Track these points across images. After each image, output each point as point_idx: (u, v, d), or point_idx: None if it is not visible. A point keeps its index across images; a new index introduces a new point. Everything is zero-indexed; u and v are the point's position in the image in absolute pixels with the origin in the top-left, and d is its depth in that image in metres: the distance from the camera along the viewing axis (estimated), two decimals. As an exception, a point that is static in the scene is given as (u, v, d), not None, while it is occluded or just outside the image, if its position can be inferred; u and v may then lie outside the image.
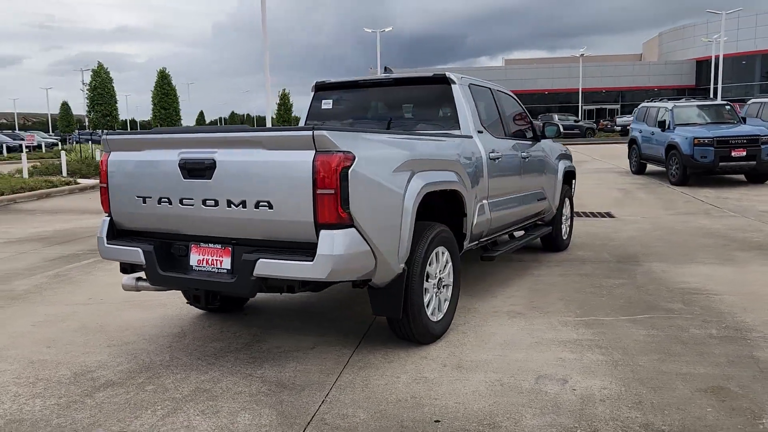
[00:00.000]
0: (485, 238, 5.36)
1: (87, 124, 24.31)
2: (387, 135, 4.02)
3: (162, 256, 3.89)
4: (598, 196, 12.41)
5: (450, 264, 4.47)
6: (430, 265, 4.18)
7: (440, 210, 4.65)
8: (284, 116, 45.19)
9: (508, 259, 7.00)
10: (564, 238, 7.49)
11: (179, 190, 3.75)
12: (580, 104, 57.42)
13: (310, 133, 3.35)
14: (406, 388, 3.54)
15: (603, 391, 3.46)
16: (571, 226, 7.78)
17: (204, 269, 3.78)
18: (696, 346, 4.12)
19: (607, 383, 3.55)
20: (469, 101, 5.23)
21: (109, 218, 4.13)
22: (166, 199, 3.80)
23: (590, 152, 25.42)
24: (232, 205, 3.58)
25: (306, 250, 3.43)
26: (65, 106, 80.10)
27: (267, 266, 3.48)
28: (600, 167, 19.56)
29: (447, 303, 4.45)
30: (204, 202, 3.67)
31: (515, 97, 6.64)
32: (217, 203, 3.63)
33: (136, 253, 3.93)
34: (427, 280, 4.17)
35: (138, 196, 3.93)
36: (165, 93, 26.86)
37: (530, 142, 6.47)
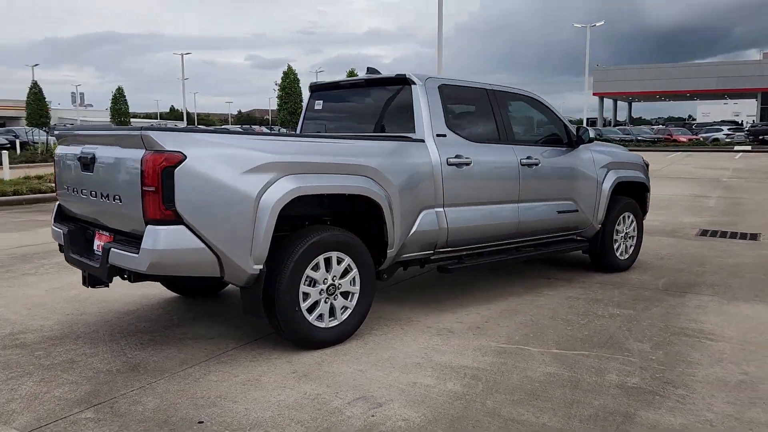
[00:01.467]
0: (448, 249, 5.04)
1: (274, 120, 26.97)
2: (245, 136, 4.03)
3: (75, 239, 4.38)
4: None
5: (355, 272, 4.33)
6: (316, 270, 4.11)
7: (362, 216, 4.53)
8: None
9: (536, 274, 6.43)
10: (622, 257, 6.63)
11: (78, 181, 4.20)
12: None
13: (139, 133, 3.55)
14: (227, 389, 3.57)
15: (397, 422, 3.15)
16: (637, 245, 6.85)
17: (98, 254, 4.18)
18: (579, 394, 3.51)
19: (414, 416, 3.22)
20: (431, 103, 4.95)
21: (57, 203, 4.75)
22: (73, 189, 4.29)
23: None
24: (102, 197, 3.93)
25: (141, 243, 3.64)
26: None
27: (115, 256, 3.76)
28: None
29: (348, 311, 4.33)
30: (90, 192, 4.07)
31: (542, 100, 6.06)
32: (96, 194, 4.00)
33: (59, 235, 4.49)
34: (313, 286, 4.11)
35: (64, 185, 4.47)
36: (289, 93, 28.07)
37: (552, 149, 5.90)
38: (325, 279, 4.18)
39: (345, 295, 4.32)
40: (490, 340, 4.39)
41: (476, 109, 5.51)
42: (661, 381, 3.68)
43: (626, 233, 6.69)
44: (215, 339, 4.41)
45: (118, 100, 46.18)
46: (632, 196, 6.90)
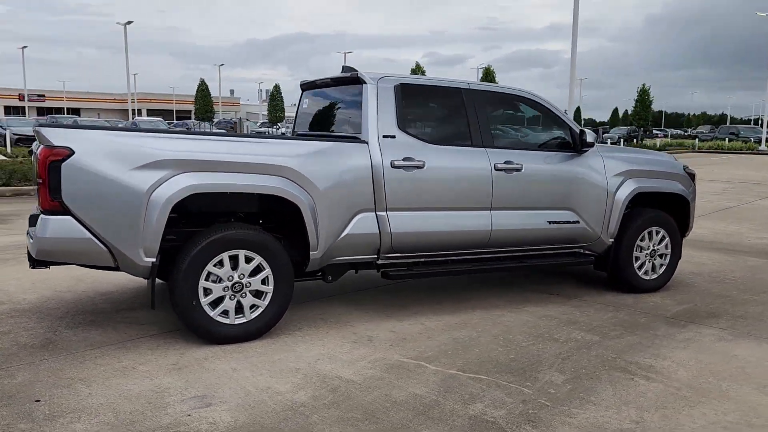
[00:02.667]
0: (396, 254, 4.84)
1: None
2: (139, 133, 4.13)
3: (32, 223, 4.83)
4: None
5: (267, 271, 4.32)
6: (220, 266, 4.18)
7: (287, 216, 4.51)
8: (641, 113, 41.67)
9: (541, 288, 5.94)
10: (646, 277, 5.91)
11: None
12: None
13: (37, 128, 3.85)
14: (97, 373, 3.74)
15: (203, 425, 3.12)
16: (671, 265, 6.05)
17: None
18: (420, 420, 3.22)
19: (227, 420, 3.17)
20: (381, 103, 4.77)
21: None
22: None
23: None
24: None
25: None
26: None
27: (28, 241, 4.12)
28: None
29: (259, 309, 4.34)
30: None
31: (541, 101, 5.54)
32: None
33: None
34: (217, 282, 4.19)
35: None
36: None
37: (548, 153, 5.44)
38: (230, 276, 4.22)
39: (257, 293, 4.33)
40: (399, 353, 4.16)
41: (443, 110, 5.22)
42: (526, 418, 3.26)
43: (653, 250, 5.93)
44: (146, 325, 4.64)
45: (275, 96, 50.25)
46: (667, 209, 6.11)
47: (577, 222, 5.52)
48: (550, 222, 5.40)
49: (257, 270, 4.31)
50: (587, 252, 5.80)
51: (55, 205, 3.81)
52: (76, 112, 79.36)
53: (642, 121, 42.25)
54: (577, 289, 5.98)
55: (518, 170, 5.19)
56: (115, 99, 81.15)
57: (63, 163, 3.78)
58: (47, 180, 3.78)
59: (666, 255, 6.03)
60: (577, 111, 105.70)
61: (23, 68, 64.16)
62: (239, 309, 4.29)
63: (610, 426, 3.20)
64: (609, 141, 36.78)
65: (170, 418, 3.19)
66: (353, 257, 4.75)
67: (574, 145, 5.52)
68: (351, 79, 5.01)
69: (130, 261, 3.99)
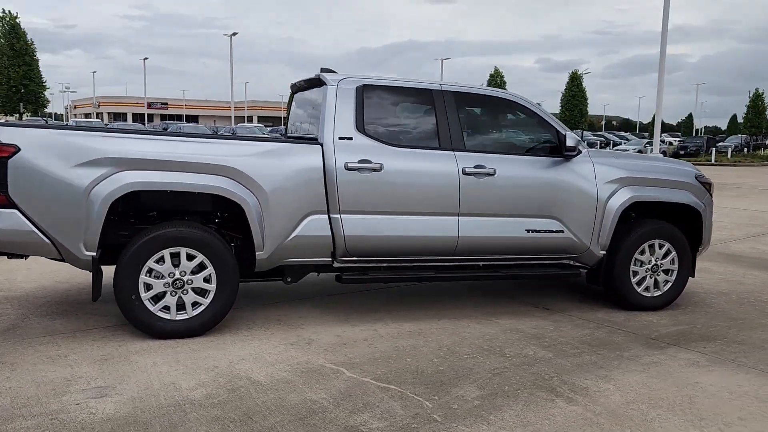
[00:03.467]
0: (353, 258, 4.78)
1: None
2: (84, 132, 4.28)
3: None
4: None
5: (210, 270, 4.40)
6: (160, 263, 4.30)
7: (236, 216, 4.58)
8: (753, 120, 38.26)
9: (526, 299, 5.66)
10: (647, 294, 5.47)
11: None
12: None
13: (-8, 128, 4.13)
14: (24, 359, 3.94)
15: (83, 414, 3.22)
16: (678, 282, 5.56)
17: None
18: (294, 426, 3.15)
19: (108, 412, 3.25)
20: (339, 105, 4.73)
21: None
22: None
23: None
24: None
25: None
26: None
27: None
28: None
29: (201, 307, 4.41)
30: None
31: (527, 104, 5.27)
32: None
33: None
34: (158, 278, 4.31)
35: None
36: (573, 95, 26.19)
37: (530, 158, 5.18)
38: (171, 273, 4.32)
39: (200, 291, 4.41)
40: (325, 358, 4.10)
41: (409, 112, 5.09)
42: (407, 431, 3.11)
43: (656, 265, 5.47)
44: (110, 317, 4.83)
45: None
46: (676, 221, 5.63)
47: (562, 232, 5.20)
48: (528, 231, 5.12)
49: (200, 268, 4.39)
50: (577, 264, 5.45)
51: (2, 199, 4.06)
52: (194, 119, 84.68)
53: (754, 129, 39.05)
54: (570, 304, 5.63)
55: (490, 175, 4.97)
56: (227, 107, 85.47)
57: (9, 160, 4.02)
58: (-4, 175, 4.04)
59: (672, 271, 5.55)
60: (689, 118, 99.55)
61: (144, 78, 69.04)
62: (182, 305, 4.38)
63: (484, 447, 2.98)
64: (714, 150, 34.32)
65: (59, 405, 3.31)
66: (306, 259, 4.72)
67: (561, 151, 5.20)
68: (319, 81, 4.99)
69: (72, 254, 4.18)
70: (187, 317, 4.39)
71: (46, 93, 20.00)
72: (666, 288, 5.55)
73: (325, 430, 3.11)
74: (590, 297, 5.86)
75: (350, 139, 4.71)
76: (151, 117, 79.38)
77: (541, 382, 3.80)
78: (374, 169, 4.69)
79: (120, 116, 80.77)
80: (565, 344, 4.52)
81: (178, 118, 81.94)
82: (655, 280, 5.52)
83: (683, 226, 5.67)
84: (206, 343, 4.33)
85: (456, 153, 4.94)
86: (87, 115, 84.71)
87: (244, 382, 3.68)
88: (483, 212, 5.00)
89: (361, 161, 4.67)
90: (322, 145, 4.66)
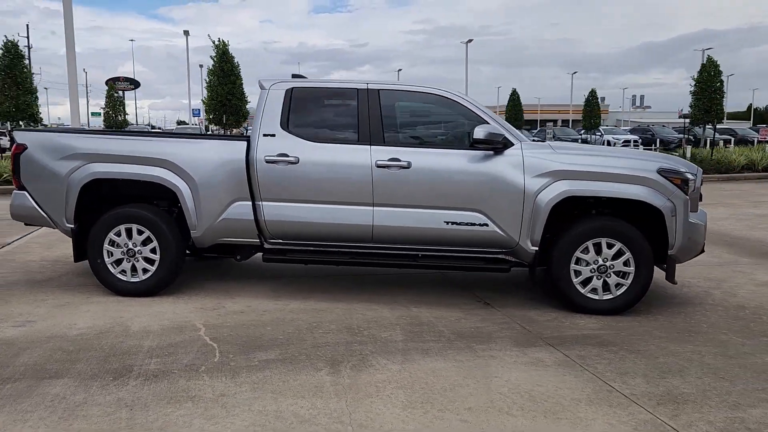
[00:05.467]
0: (278, 240, 5.46)
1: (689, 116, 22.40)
2: (67, 134, 5.57)
3: None
4: None
5: (155, 243, 5.46)
6: (118, 235, 5.49)
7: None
8: None
9: (473, 293, 5.70)
10: (595, 296, 5.15)
11: None
12: None
13: (12, 133, 5.72)
14: None
15: (-10, 334, 4.50)
16: (634, 286, 5.10)
17: None
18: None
19: None
20: (268, 105, 5.41)
21: None
22: None
23: None
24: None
25: None
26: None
27: None
28: None
29: (149, 273, 5.50)
30: None
31: (459, 99, 5.33)
32: None
33: None
34: (116, 247, 5.51)
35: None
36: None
37: (454, 152, 5.26)
38: (126, 243, 5.48)
39: (148, 260, 5.50)
40: (205, 320, 4.84)
41: (333, 111, 5.53)
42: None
43: (607, 266, 5.11)
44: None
45: (516, 101, 51.11)
46: (636, 219, 5.18)
47: (486, 225, 5.19)
48: (448, 222, 5.23)
49: (147, 241, 5.47)
50: (512, 259, 5.34)
51: (18, 184, 5.62)
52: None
53: None
54: (521, 301, 5.51)
55: (405, 168, 5.21)
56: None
57: (21, 155, 5.56)
58: (13, 166, 5.61)
59: (628, 274, 5.11)
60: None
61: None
62: (135, 270, 5.52)
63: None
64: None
65: (-13, 328, 4.64)
66: (237, 239, 5.51)
67: (492, 144, 5.18)
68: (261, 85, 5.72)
69: (60, 225, 5.57)
70: (138, 280, 5.51)
71: (248, 107, 23.66)
72: (619, 292, 5.13)
73: (111, 365, 3.92)
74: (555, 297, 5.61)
75: (273, 135, 5.38)
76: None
77: (337, 356, 4.09)
78: (291, 162, 5.29)
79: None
80: (435, 332, 4.62)
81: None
82: (605, 282, 5.14)
83: (645, 225, 5.16)
84: (143, 300, 5.37)
85: (373, 147, 5.28)
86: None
87: (119, 328, 4.63)
88: (398, 203, 5.25)
89: (279, 155, 5.31)
90: (248, 141, 5.41)
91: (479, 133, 5.05)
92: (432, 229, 5.24)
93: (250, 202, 5.38)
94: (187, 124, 58.12)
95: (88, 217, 5.62)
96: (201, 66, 51.67)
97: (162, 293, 5.55)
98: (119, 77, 42.93)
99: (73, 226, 5.54)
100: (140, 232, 5.46)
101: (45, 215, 5.59)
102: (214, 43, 23.14)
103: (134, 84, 43.24)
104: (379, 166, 5.21)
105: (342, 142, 5.36)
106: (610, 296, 5.14)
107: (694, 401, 3.50)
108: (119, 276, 5.52)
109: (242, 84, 23.88)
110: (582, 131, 46.19)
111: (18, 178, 5.59)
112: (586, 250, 5.12)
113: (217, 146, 5.45)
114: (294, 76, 5.97)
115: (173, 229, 5.49)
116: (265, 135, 5.38)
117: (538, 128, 53.78)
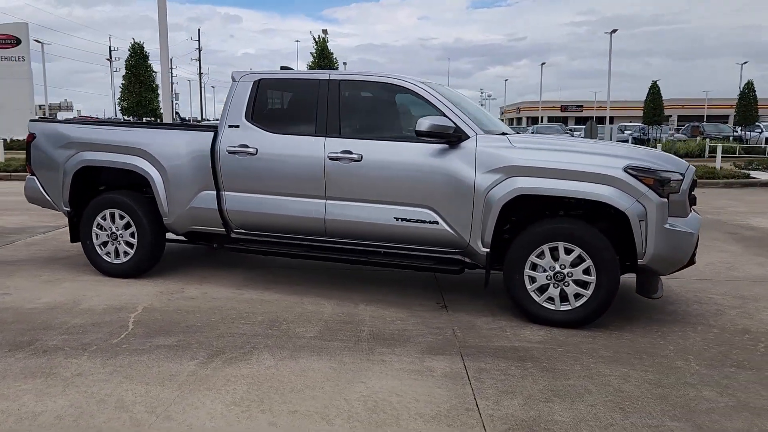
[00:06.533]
0: (242, 230, 5.54)
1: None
2: (65, 124, 5.97)
3: None
4: None
5: (133, 228, 5.76)
6: (104, 219, 5.88)
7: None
8: None
9: (450, 298, 5.40)
10: (553, 307, 4.64)
11: None
12: None
13: (28, 123, 6.29)
14: None
15: (-39, 303, 5.01)
16: (596, 296, 4.52)
17: None
18: None
19: (-28, 304, 4.98)
20: (236, 97, 5.47)
21: None
22: None
23: None
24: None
25: None
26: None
27: None
28: None
29: (129, 255, 5.82)
30: None
31: (418, 90, 5.02)
32: None
33: None
34: (103, 230, 5.90)
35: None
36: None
37: (407, 144, 4.98)
38: (110, 227, 5.84)
39: (128, 243, 5.83)
40: (152, 302, 5.03)
41: (295, 102, 5.46)
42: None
43: (564, 273, 4.61)
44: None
45: (656, 95, 43.88)
46: (600, 222, 4.62)
47: (436, 223, 4.89)
48: (397, 219, 4.99)
49: (127, 226, 5.79)
50: (466, 260, 4.98)
51: (30, 169, 6.19)
52: (607, 120, 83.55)
53: None
54: (484, 307, 5.12)
55: (357, 161, 5.04)
56: (640, 107, 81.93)
57: (32, 143, 6.12)
58: (27, 153, 6.18)
59: (589, 283, 4.56)
60: None
61: (539, 83, 71.07)
62: (118, 253, 5.86)
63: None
64: None
65: (-33, 297, 5.17)
66: (205, 228, 5.66)
67: (450, 136, 4.86)
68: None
69: (60, 208, 6.06)
70: (119, 262, 5.85)
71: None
72: (578, 303, 4.59)
73: (23, 337, 4.20)
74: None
75: (237, 126, 5.44)
76: (565, 120, 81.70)
77: (227, 347, 4.07)
78: (250, 153, 5.33)
79: (535, 120, 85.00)
80: (354, 332, 4.43)
81: (599, 120, 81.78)
82: (563, 291, 4.62)
83: (611, 229, 4.58)
84: (119, 281, 5.69)
85: (327, 139, 5.16)
86: (510, 121, 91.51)
87: (69, 305, 4.94)
88: (349, 197, 5.09)
89: (240, 146, 5.36)
90: (216, 132, 5.52)
91: (422, 124, 4.74)
92: (382, 225, 5.02)
93: (215, 192, 5.48)
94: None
95: (86, 201, 6.07)
96: (345, 63, 53.44)
97: (146, 276, 5.83)
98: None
99: (69, 209, 6.00)
100: (122, 217, 5.79)
101: (49, 199, 6.10)
102: (315, 39, 24.04)
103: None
104: (331, 159, 5.09)
105: (300, 133, 5.29)
106: (568, 307, 4.62)
107: (555, 431, 3.05)
108: (105, 257, 5.89)
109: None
110: (737, 128, 41.56)
111: (29, 164, 6.16)
112: (542, 255, 4.63)
113: (187, 136, 5.62)
114: (282, 68, 6.00)
115: (149, 215, 5.75)
116: (230, 126, 5.45)
117: (685, 124, 48.20)
